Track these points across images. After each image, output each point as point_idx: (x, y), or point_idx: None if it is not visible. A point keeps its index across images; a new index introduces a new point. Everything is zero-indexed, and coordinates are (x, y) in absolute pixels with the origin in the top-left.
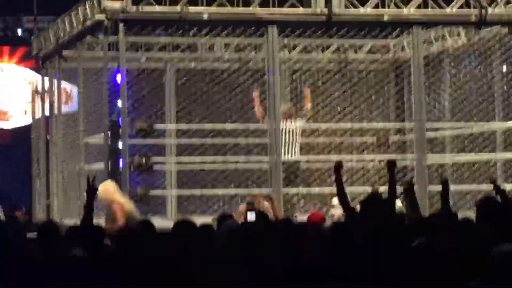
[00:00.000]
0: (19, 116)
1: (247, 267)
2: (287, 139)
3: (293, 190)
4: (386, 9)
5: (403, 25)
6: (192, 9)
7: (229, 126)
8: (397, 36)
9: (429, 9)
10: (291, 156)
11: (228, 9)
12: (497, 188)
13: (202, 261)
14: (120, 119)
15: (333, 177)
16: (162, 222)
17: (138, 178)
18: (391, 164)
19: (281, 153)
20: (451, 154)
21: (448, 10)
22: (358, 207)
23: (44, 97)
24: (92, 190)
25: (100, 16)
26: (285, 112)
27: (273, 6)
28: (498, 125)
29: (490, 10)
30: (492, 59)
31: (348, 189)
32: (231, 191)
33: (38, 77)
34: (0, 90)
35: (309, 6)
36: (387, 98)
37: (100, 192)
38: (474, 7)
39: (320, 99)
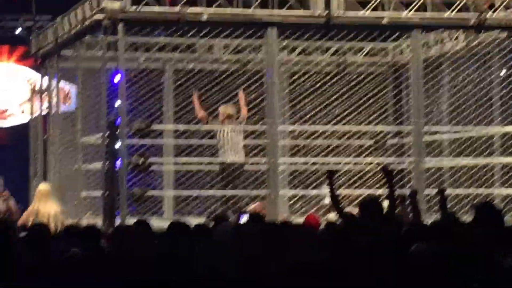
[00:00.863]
0: (17, 115)
1: (242, 267)
2: (227, 141)
3: (289, 193)
4: (386, 12)
5: (402, 28)
6: (191, 10)
7: (226, 127)
8: (396, 39)
9: (428, 13)
10: (234, 158)
11: (228, 10)
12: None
13: (197, 260)
14: (118, 119)
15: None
16: (159, 223)
17: (135, 178)
18: (385, 170)
19: (223, 154)
20: (449, 158)
21: (447, 14)
22: (355, 211)
23: (43, 96)
24: None
25: (99, 16)
26: (223, 114)
27: (273, 7)
28: (496, 129)
29: (489, 14)
30: (491, 63)
31: (345, 192)
32: (228, 192)
33: (37, 76)
34: None
35: (309, 8)
36: (385, 101)
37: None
38: (473, 11)
39: (318, 101)
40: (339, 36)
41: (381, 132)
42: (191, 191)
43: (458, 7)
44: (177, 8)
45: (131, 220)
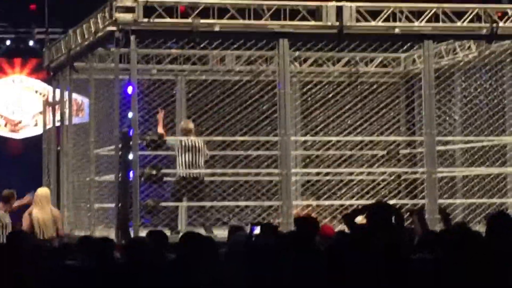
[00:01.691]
0: (30, 126)
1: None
2: (190, 155)
3: (302, 203)
4: (397, 23)
5: (414, 39)
6: (203, 21)
7: (239, 138)
8: (408, 49)
9: (440, 23)
10: (196, 170)
11: (240, 22)
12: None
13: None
14: (131, 130)
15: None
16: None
17: (148, 190)
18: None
19: (181, 167)
20: (461, 168)
21: (459, 24)
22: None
23: (55, 108)
24: None
25: (111, 28)
26: (183, 128)
27: (284, 19)
28: (509, 139)
29: (501, 24)
30: (503, 73)
31: (357, 203)
32: (241, 203)
33: (49, 88)
34: (11, 101)
35: (320, 19)
36: (397, 111)
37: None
38: (485, 21)
39: (331, 111)
40: (351, 46)
41: (393, 142)
42: (204, 202)
43: (470, 17)
44: (189, 20)
45: (143, 232)
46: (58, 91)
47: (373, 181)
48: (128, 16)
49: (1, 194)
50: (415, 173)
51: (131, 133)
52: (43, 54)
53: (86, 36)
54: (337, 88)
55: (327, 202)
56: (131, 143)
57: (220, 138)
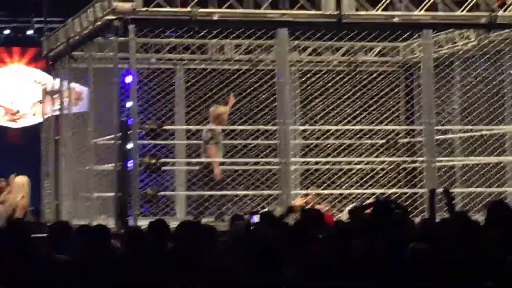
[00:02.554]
0: (29, 116)
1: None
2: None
3: (301, 192)
4: (396, 12)
5: (413, 28)
6: (202, 10)
7: (239, 127)
8: (407, 38)
9: (439, 12)
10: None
11: (238, 10)
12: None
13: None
14: (130, 119)
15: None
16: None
17: (147, 179)
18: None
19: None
20: (460, 157)
21: (458, 13)
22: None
23: (54, 97)
24: None
25: (110, 17)
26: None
27: (284, 7)
28: (508, 128)
29: (500, 13)
30: (502, 62)
31: (357, 192)
32: (240, 192)
33: (48, 77)
34: (10, 90)
35: (319, 8)
36: (396, 100)
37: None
38: (485, 10)
39: (330, 100)
40: (350, 35)
41: (392, 131)
42: (203, 191)
43: (469, 5)
44: (188, 9)
45: (143, 221)
46: (57, 80)
47: (372, 170)
48: (127, 5)
49: None
50: (414, 162)
51: (130, 122)
52: (42, 43)
53: (85, 25)
54: (336, 77)
55: (326, 191)
56: (130, 132)
57: (220, 127)
